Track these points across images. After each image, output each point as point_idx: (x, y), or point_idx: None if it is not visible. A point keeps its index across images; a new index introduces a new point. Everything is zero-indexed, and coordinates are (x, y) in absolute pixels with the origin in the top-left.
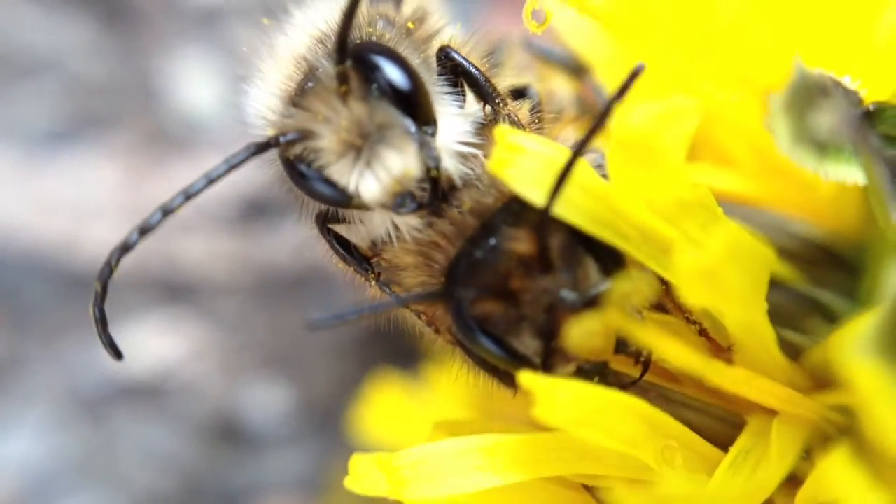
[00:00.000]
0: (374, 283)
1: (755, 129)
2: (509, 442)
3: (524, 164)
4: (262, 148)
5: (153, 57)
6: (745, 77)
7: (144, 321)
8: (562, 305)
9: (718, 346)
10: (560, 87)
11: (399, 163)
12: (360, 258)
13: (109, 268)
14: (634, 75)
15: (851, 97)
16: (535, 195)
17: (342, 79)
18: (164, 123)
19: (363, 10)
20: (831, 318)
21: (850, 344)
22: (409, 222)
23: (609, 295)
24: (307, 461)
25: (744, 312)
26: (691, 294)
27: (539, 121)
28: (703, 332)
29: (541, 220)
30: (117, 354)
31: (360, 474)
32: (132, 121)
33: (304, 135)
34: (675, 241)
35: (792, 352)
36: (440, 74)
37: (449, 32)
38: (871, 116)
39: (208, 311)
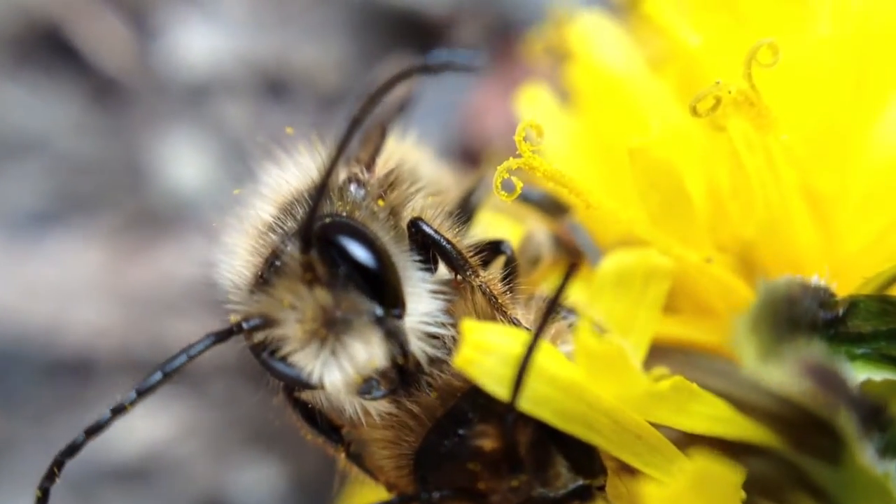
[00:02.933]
0: (343, 455)
1: (727, 288)
2: None
3: (489, 362)
4: (222, 337)
5: (140, 135)
6: (714, 238)
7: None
8: None
9: None
10: (538, 228)
11: (364, 354)
12: (328, 429)
13: (53, 473)
14: (570, 273)
15: (821, 295)
16: (502, 392)
17: (307, 266)
18: (151, 203)
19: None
20: (814, 490)
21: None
22: (377, 407)
23: None
24: None
25: None
26: None
27: (512, 283)
28: None
29: (508, 419)
30: None
31: None
32: (118, 201)
33: (268, 322)
34: (648, 431)
35: None
36: (411, 247)
37: (421, 198)
38: (843, 317)
39: (197, 391)
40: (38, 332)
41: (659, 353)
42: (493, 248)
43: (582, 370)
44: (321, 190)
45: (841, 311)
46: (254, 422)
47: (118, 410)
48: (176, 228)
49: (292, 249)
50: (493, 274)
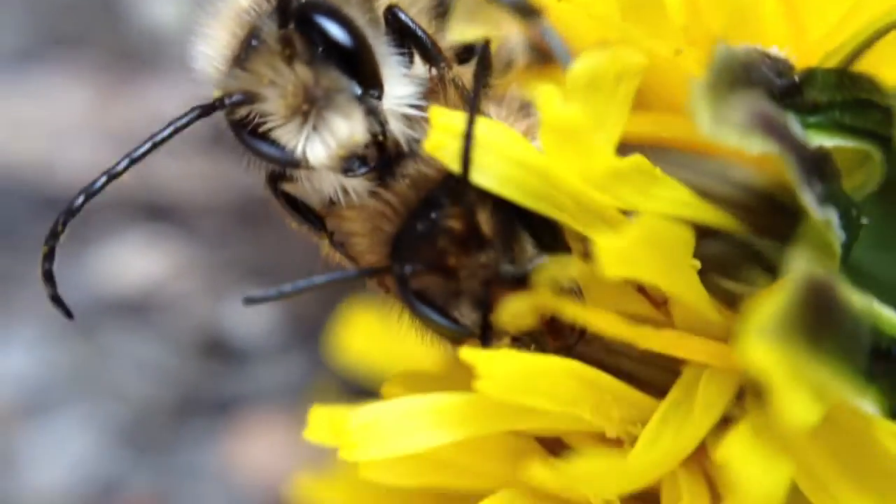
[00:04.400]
0: (327, 241)
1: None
2: (460, 401)
3: (457, 145)
4: (207, 110)
5: None
6: (687, 34)
7: (125, 239)
8: (498, 280)
9: (655, 300)
10: (511, 33)
11: (345, 128)
12: (312, 218)
13: (57, 233)
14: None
15: (780, 65)
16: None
17: (286, 42)
18: (131, 41)
19: None
20: (770, 266)
21: (753, 329)
22: (357, 187)
23: (539, 276)
24: (294, 371)
25: (667, 285)
26: (611, 272)
27: (485, 81)
28: (639, 288)
29: (475, 199)
30: (67, 314)
31: (317, 427)
32: (98, 39)
33: (250, 97)
34: (610, 210)
35: (730, 300)
36: (387, 34)
37: None
38: (800, 86)
39: (189, 229)
40: (28, 170)
41: (627, 150)
42: (466, 49)
43: (546, 143)
44: None
45: (797, 79)
46: (247, 261)
47: (112, 175)
48: (157, 66)
49: (270, 27)
50: (467, 70)
